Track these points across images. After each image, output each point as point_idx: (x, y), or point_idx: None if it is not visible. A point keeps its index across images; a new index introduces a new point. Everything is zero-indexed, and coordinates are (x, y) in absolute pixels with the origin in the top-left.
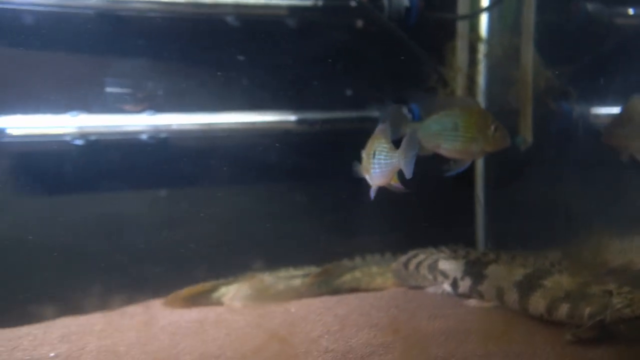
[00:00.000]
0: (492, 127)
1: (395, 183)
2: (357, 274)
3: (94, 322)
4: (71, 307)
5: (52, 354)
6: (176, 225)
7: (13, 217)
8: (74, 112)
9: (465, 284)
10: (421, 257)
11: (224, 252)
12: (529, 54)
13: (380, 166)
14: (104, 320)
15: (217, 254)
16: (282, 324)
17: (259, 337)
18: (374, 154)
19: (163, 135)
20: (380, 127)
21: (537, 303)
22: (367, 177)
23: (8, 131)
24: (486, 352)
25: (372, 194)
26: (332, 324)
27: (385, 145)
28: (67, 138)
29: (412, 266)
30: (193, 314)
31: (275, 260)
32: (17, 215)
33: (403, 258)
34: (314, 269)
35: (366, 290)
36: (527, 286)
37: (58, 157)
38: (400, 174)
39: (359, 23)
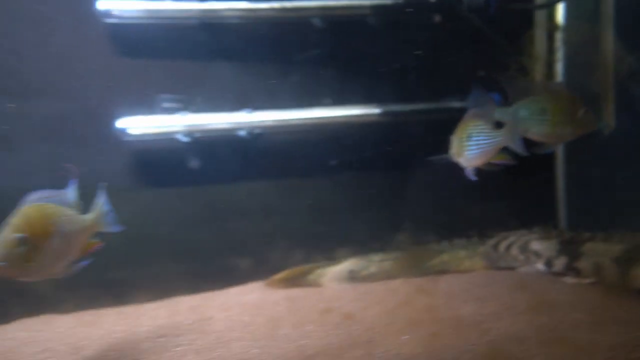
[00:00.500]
0: (581, 111)
1: (502, 160)
2: (445, 257)
3: (212, 298)
4: (180, 288)
5: (188, 322)
6: (272, 214)
7: (134, 207)
8: (183, 112)
9: (560, 262)
10: (511, 238)
11: (317, 238)
12: (609, 40)
13: (479, 147)
14: (218, 297)
15: (311, 240)
16: (384, 299)
17: (371, 308)
18: (470, 136)
19: (258, 131)
20: (471, 112)
21: (638, 276)
22: (460, 160)
23: (129, 131)
24: (594, 319)
25: (470, 174)
26: (438, 298)
27: (483, 127)
28: (177, 135)
29: (502, 248)
30: (297, 291)
31: (365, 245)
32: (136, 205)
33: (492, 241)
34: (402, 253)
35: (456, 272)
36: (627, 260)
37: (170, 153)
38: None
39: (440, 17)
